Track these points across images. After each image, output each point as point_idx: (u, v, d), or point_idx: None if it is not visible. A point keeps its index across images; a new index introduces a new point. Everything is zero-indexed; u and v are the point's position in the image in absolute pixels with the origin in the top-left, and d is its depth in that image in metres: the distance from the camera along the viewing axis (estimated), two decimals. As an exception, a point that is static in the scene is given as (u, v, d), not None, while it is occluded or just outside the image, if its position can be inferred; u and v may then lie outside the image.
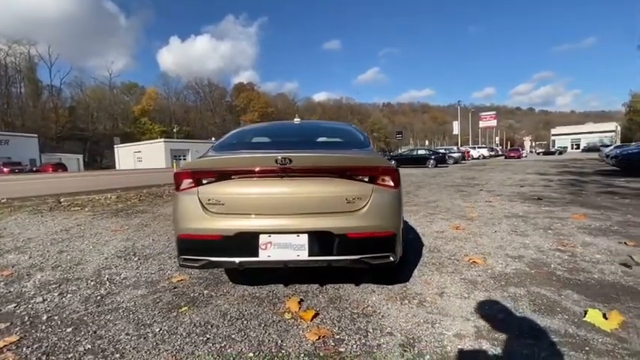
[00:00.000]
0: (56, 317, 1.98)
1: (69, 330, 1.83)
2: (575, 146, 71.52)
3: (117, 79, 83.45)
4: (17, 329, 1.84)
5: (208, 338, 1.72)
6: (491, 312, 1.95)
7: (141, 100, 78.64)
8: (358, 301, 2.11)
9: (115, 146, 54.98)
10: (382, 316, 1.93)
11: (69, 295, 2.29)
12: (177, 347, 1.64)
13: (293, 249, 1.86)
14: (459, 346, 1.61)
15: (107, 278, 2.60)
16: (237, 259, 1.89)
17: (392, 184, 2.02)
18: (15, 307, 2.13)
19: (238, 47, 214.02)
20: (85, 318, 1.97)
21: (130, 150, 52.72)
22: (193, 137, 66.90)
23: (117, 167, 52.03)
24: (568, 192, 7.22)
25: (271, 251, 1.86)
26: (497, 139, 66.32)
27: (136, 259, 3.07)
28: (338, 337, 1.72)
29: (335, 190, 1.94)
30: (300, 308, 2.02)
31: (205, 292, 2.31)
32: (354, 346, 1.63)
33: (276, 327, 1.82)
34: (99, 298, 2.24)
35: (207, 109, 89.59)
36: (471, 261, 2.81)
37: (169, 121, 76.22)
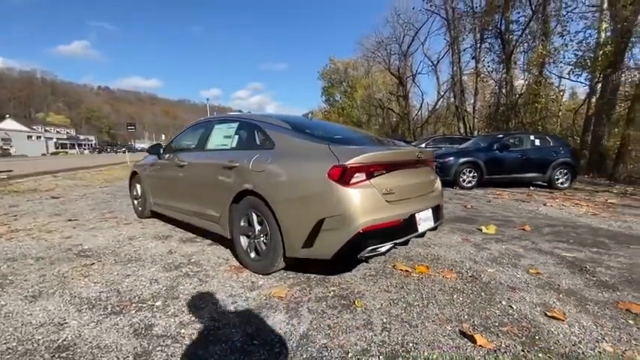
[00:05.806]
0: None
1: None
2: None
3: None
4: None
5: (428, 303, 2.06)
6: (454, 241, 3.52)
7: None
8: (430, 254, 2.99)
9: None
10: (448, 256, 2.97)
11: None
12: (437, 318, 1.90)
13: (429, 221, 2.50)
14: (485, 253, 3.02)
15: (188, 333, 1.73)
16: (408, 236, 2.31)
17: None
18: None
19: None
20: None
21: None
22: None
23: None
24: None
25: (422, 225, 2.41)
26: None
27: (163, 302, 2.01)
28: (463, 270, 2.61)
29: (430, 176, 2.76)
30: (410, 267, 2.64)
31: (333, 288, 2.27)
32: (472, 272, 2.61)
33: (425, 280, 2.41)
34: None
35: None
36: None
37: None
